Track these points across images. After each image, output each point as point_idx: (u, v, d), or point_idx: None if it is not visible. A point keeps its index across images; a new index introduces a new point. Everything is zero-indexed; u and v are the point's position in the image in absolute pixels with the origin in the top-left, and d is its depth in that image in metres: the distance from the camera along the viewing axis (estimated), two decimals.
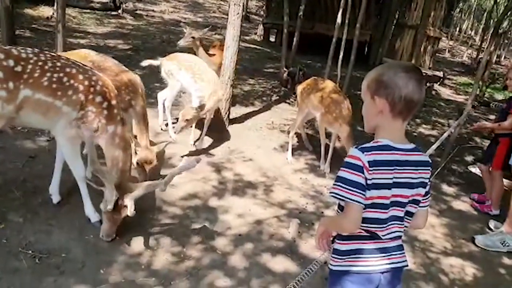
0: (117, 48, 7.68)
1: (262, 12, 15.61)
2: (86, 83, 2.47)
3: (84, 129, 2.50)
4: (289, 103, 6.38)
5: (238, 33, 4.56)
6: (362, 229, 1.32)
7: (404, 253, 1.41)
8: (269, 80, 7.37)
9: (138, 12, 12.36)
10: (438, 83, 9.42)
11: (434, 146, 3.17)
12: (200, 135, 4.20)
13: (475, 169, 4.57)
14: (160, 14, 13.39)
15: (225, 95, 4.71)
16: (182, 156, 3.75)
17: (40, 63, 2.35)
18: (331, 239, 1.47)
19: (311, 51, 9.48)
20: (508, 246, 3.09)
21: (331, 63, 6.06)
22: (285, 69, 7.06)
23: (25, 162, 3.25)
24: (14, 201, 2.75)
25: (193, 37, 4.84)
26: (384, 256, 1.35)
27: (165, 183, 2.50)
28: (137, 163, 3.11)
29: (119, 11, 11.44)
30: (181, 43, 4.91)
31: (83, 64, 2.62)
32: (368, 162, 1.24)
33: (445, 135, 3.91)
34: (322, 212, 3.36)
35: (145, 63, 4.58)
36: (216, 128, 4.48)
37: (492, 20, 14.04)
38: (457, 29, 22.84)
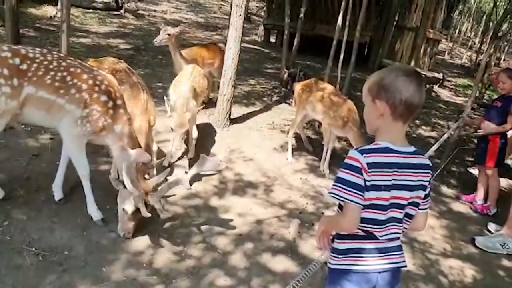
0: (119, 48, 7.71)
1: (262, 13, 15.64)
2: (90, 82, 2.50)
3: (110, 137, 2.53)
4: (289, 104, 6.40)
5: (240, 35, 4.59)
6: (360, 229, 1.35)
7: (402, 253, 1.44)
8: (269, 80, 7.39)
9: (140, 12, 12.39)
10: (438, 84, 9.46)
11: (433, 148, 3.20)
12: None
13: (474, 171, 4.59)
14: (162, 14, 13.42)
15: (227, 95, 4.74)
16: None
17: (45, 63, 2.41)
18: (331, 238, 1.50)
19: (311, 52, 9.51)
20: (508, 248, 3.12)
21: (332, 64, 6.09)
22: (285, 70, 7.09)
23: (28, 160, 3.28)
24: (18, 199, 2.77)
25: (168, 34, 4.68)
26: (382, 256, 1.38)
27: (189, 181, 2.54)
28: None
29: (121, 11, 11.47)
30: (157, 41, 4.74)
31: (89, 65, 2.66)
32: (367, 164, 1.27)
33: (445, 136, 3.94)
34: (322, 213, 3.38)
35: None
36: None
37: (491, 23, 14.08)
38: (457, 31, 22.88)
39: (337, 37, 5.94)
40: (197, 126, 4.01)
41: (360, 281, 1.37)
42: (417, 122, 6.58)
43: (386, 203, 1.32)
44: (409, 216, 1.40)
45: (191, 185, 2.96)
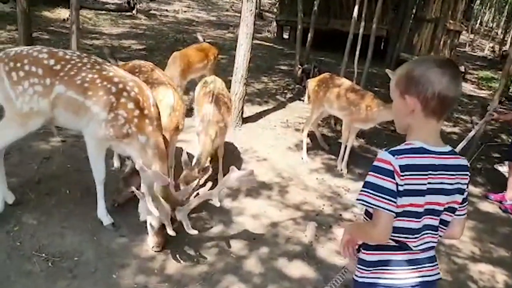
0: (131, 48, 7.71)
1: (275, 9, 15.47)
2: (120, 86, 2.44)
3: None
4: (303, 101, 6.25)
5: (251, 31, 4.47)
6: (392, 239, 1.21)
7: (436, 264, 1.29)
8: (282, 77, 7.25)
9: (152, 12, 12.43)
10: None
11: (461, 145, 3.00)
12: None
13: (503, 168, 4.34)
14: (174, 13, 13.44)
15: (238, 94, 4.62)
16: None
17: (79, 64, 2.42)
18: (357, 247, 1.36)
19: (325, 48, 9.31)
20: None
21: (347, 59, 5.89)
22: (299, 66, 6.93)
23: (40, 163, 3.25)
24: (28, 203, 2.74)
25: None
26: (414, 269, 1.23)
27: (220, 195, 2.42)
28: None
29: (133, 11, 11.53)
30: None
31: (124, 71, 2.64)
32: (400, 166, 1.13)
33: (472, 133, 3.71)
34: (340, 215, 3.23)
35: None
36: None
37: None
38: (478, 22, 22.10)
39: (353, 31, 5.74)
40: None
41: None
42: None
43: (421, 209, 1.18)
44: (444, 223, 1.25)
45: (221, 201, 2.71)
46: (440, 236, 1.27)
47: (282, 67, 8.07)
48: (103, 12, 10.79)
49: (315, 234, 2.87)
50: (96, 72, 2.43)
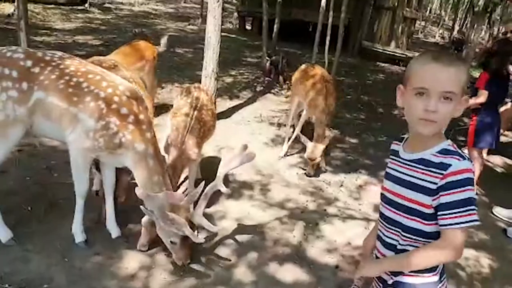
0: (87, 45, 7.18)
1: (234, 0, 15.20)
2: (110, 90, 2.16)
3: None
4: (274, 94, 6.15)
5: (220, 22, 4.27)
6: None
7: None
8: (251, 70, 7.09)
9: (106, 5, 11.72)
10: None
11: None
12: None
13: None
14: (129, 6, 12.79)
15: (210, 89, 4.41)
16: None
17: (61, 66, 2.15)
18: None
19: (288, 39, 9.23)
20: None
21: (315, 49, 5.85)
22: (267, 58, 6.80)
23: None
24: None
25: None
26: None
27: (220, 182, 2.28)
28: None
29: (86, 5, 10.82)
30: None
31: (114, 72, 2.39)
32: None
33: None
34: (325, 210, 3.17)
35: None
36: None
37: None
38: (428, 10, 23.13)
39: (319, 21, 5.69)
40: None
41: None
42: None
43: None
44: None
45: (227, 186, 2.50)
46: None
47: (249, 59, 7.91)
48: (52, 6, 9.98)
49: (303, 234, 2.78)
50: (81, 75, 2.16)
